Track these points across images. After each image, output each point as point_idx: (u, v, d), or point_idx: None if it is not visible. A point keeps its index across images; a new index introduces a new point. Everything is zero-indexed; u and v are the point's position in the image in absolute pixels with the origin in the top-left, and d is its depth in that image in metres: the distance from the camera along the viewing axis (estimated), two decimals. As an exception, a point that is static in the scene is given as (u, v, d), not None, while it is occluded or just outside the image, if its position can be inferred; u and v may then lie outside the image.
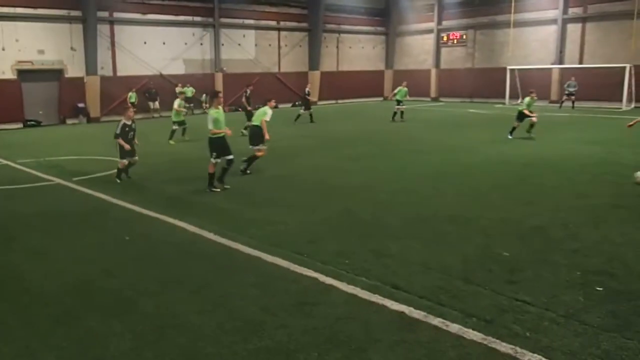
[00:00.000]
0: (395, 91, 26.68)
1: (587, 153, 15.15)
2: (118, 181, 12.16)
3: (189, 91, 32.42)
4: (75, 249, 7.58)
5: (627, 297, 5.55)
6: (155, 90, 31.55)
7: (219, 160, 11.13)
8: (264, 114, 13.04)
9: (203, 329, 4.99)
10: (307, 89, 28.18)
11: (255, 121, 13.22)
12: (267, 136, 12.84)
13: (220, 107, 11.30)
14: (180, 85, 32.32)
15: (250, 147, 12.92)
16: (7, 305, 5.71)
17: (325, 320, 5.09)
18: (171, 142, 19.10)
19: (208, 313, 5.32)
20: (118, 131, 12.23)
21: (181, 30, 33.32)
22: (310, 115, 26.10)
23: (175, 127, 19.32)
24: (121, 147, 12.10)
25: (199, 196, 10.58)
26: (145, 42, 31.69)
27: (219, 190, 11.02)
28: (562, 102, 31.75)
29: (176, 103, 19.55)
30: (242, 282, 6.10)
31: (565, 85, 31.87)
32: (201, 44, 34.42)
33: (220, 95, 11.92)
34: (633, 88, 30.14)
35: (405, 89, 26.41)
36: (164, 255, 7.13)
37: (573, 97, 31.31)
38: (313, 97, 27.35)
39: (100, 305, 5.61)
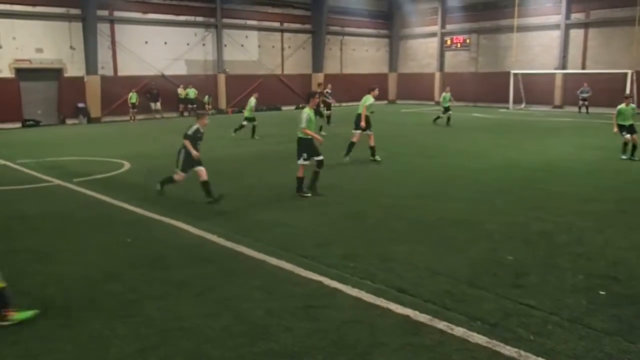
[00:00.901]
0: (440, 98, 26.00)
1: (593, 158, 15.18)
2: (158, 188, 10.67)
3: (192, 92, 32.50)
4: (78, 251, 7.53)
5: (630, 301, 5.58)
6: (156, 90, 31.50)
7: (308, 162, 10.65)
8: (365, 102, 14.76)
9: (208, 332, 4.99)
10: (327, 90, 27.17)
11: (359, 109, 15.00)
12: (362, 123, 14.53)
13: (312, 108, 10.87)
14: (182, 86, 32.41)
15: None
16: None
17: (331, 323, 5.11)
18: (233, 134, 20.59)
19: (213, 316, 5.32)
20: (190, 132, 10.11)
21: (183, 31, 33.26)
22: (329, 117, 25.11)
23: (245, 122, 20.89)
24: (187, 154, 10.07)
25: (203, 198, 10.58)
26: (146, 42, 31.61)
27: (309, 195, 10.61)
28: (580, 107, 31.79)
29: (252, 102, 21.21)
30: (248, 285, 6.10)
31: (579, 92, 31.93)
32: (203, 45, 34.36)
33: (317, 95, 11.54)
34: (635, 94, 30.16)
35: (449, 93, 25.56)
36: (167, 258, 7.11)
37: (586, 103, 31.40)
38: (332, 99, 26.81)
39: (103, 308, 5.57)
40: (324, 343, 4.74)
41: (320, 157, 10.75)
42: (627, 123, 14.69)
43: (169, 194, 10.71)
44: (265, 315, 5.30)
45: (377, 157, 14.68)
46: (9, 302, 5.28)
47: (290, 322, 5.14)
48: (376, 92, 15.29)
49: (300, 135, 10.65)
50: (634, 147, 14.58)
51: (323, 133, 20.70)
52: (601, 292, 5.81)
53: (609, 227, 8.35)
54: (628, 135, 14.61)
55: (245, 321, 5.19)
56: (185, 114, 32.82)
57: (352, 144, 14.86)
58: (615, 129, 14.79)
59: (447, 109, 24.83)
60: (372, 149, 14.83)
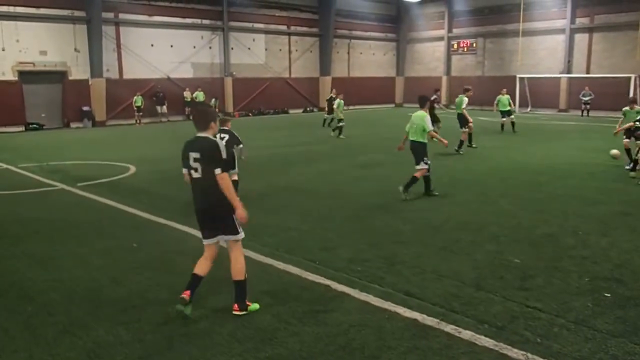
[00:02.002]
0: (496, 101, 23.33)
1: (597, 161, 15.14)
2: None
3: (201, 95, 32.53)
4: (82, 256, 7.44)
5: (635, 303, 5.60)
6: (162, 94, 31.48)
7: (427, 166, 10.83)
8: (462, 102, 17.72)
9: (214, 338, 4.97)
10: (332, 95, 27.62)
11: (457, 109, 17.94)
12: (470, 119, 17.44)
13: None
14: (188, 89, 32.44)
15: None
16: (11, 314, 5.58)
17: (338, 327, 5.12)
18: (342, 136, 21.96)
19: (219, 321, 5.30)
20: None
21: (189, 33, 33.34)
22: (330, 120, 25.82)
23: (341, 123, 22.14)
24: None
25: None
26: (152, 45, 31.66)
27: (437, 194, 10.90)
28: (582, 110, 32.07)
29: (336, 103, 22.79)
30: (254, 289, 6.00)
31: (581, 95, 32.10)
32: (210, 48, 34.46)
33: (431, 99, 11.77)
34: (639, 98, 30.11)
35: (506, 96, 22.94)
36: (173, 263, 7.06)
37: (588, 106, 31.63)
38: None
39: (107, 314, 5.50)
40: (331, 347, 4.75)
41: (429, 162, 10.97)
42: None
43: (175, 198, 10.76)
44: (272, 320, 5.29)
45: (473, 144, 18.02)
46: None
47: (297, 327, 5.14)
48: (471, 92, 18.47)
49: (420, 140, 10.72)
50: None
51: (342, 136, 21.88)
52: (606, 294, 5.82)
53: (614, 230, 8.37)
54: (626, 140, 14.50)
55: (252, 326, 5.18)
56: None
57: (462, 142, 17.31)
58: (618, 129, 14.69)
59: (507, 113, 22.60)
60: (461, 142, 17.30)
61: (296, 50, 39.12)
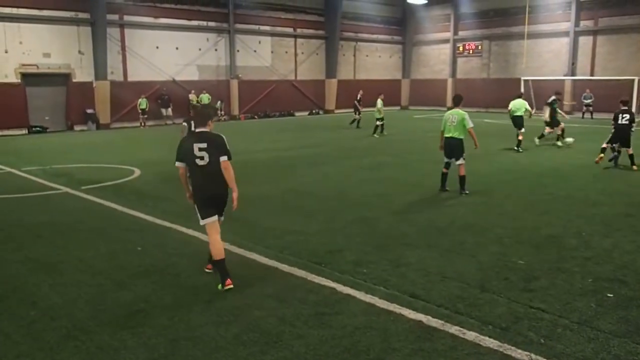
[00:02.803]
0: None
1: (600, 163, 15.12)
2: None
3: (206, 98, 32.55)
4: (85, 259, 7.41)
5: (638, 304, 5.64)
6: (167, 96, 31.39)
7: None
8: (523, 105, 18.92)
9: (219, 341, 4.97)
10: (359, 96, 28.57)
11: (518, 112, 18.83)
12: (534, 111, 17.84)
13: None
14: (193, 92, 32.43)
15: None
16: (13, 319, 5.54)
17: (344, 330, 5.15)
18: (375, 135, 23.33)
19: (224, 324, 5.29)
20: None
21: (195, 36, 33.23)
22: (358, 121, 27.19)
23: (378, 122, 23.47)
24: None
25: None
26: (157, 47, 31.51)
27: (449, 189, 11.42)
28: (584, 112, 32.17)
29: (379, 103, 24.00)
30: (259, 292, 6.09)
31: (582, 97, 32.11)
32: (215, 50, 34.38)
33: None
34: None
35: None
36: (178, 266, 7.07)
37: (591, 108, 31.65)
38: (361, 104, 28.11)
39: (111, 319, 5.48)
40: (337, 350, 4.78)
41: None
42: None
43: (179, 201, 10.75)
44: (277, 323, 5.30)
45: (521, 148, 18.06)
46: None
47: (302, 330, 5.16)
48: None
49: (460, 137, 11.15)
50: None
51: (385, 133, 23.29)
52: (609, 295, 5.86)
53: (616, 231, 8.41)
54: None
55: (257, 329, 5.18)
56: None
57: (520, 141, 18.29)
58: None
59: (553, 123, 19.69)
60: (520, 141, 18.17)
61: (302, 53, 39.15)
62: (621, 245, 7.70)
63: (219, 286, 6.19)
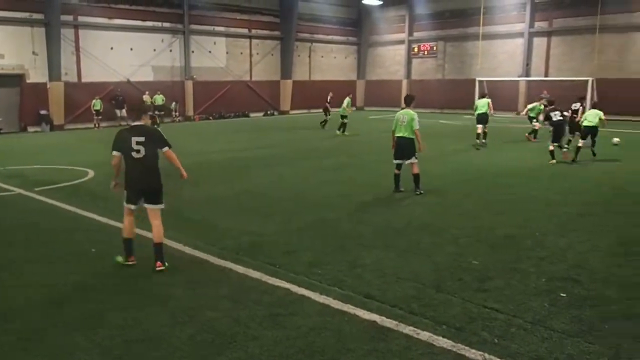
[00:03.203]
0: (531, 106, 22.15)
1: (556, 164, 15.49)
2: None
3: (160, 99, 32.13)
4: (40, 262, 7.28)
5: (590, 303, 5.72)
6: (122, 97, 30.87)
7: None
8: (487, 103, 20.00)
9: (173, 342, 4.91)
10: (329, 97, 28.71)
11: (483, 109, 19.89)
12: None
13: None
14: (147, 92, 31.95)
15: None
16: None
17: (298, 331, 5.10)
18: (338, 132, 24.05)
19: (179, 326, 5.24)
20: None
21: (149, 36, 32.81)
22: (326, 122, 27.23)
23: (345, 120, 24.11)
24: None
25: (169, 206, 10.41)
26: (111, 48, 31.05)
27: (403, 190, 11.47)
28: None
29: (345, 103, 24.52)
30: (214, 294, 6.03)
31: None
32: (170, 51, 34.02)
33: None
34: (597, 100, 30.95)
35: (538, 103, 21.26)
36: (132, 268, 6.97)
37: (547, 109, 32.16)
38: (331, 105, 28.18)
39: (66, 320, 5.41)
40: (291, 351, 4.73)
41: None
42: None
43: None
44: (232, 324, 5.25)
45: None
46: None
47: (257, 331, 5.11)
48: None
49: (411, 136, 11.23)
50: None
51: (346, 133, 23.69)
52: (562, 295, 5.94)
53: (571, 231, 8.56)
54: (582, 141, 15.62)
55: (212, 330, 5.13)
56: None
57: (478, 135, 19.58)
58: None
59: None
60: (478, 135, 19.65)
61: (257, 54, 38.98)
62: (575, 245, 7.83)
63: (119, 258, 7.00)
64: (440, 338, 4.91)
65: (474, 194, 11.59)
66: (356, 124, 27.67)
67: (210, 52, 36.01)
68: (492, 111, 20.80)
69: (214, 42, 36.30)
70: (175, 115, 33.73)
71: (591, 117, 15.75)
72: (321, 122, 27.63)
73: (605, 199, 10.99)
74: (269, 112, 39.59)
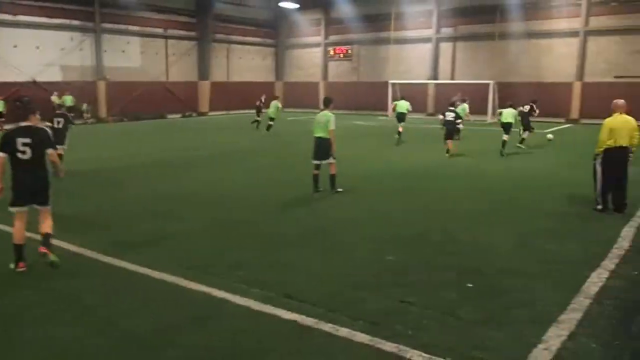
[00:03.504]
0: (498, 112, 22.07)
1: (464, 162, 16.35)
2: None
3: (69, 100, 30.85)
4: None
5: (494, 292, 6.13)
6: (28, 98, 29.41)
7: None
8: (406, 104, 22.24)
9: (90, 353, 4.79)
10: (262, 98, 28.96)
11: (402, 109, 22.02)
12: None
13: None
14: (56, 93, 30.62)
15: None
16: None
17: (219, 334, 5.12)
18: (265, 131, 24.72)
19: (95, 336, 5.09)
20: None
21: (57, 34, 31.48)
22: (259, 122, 27.21)
23: (270, 122, 24.79)
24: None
25: (79, 212, 10.13)
26: (15, 46, 29.58)
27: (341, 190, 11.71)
28: None
29: (274, 105, 25.25)
30: (132, 301, 5.90)
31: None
32: (81, 50, 32.77)
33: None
34: (497, 103, 32.82)
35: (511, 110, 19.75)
36: (44, 279, 6.63)
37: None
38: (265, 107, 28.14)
39: None
40: (212, 355, 4.75)
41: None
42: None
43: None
44: (151, 331, 5.18)
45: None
46: None
47: (176, 336, 5.06)
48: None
49: (327, 137, 11.44)
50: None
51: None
52: (469, 285, 6.32)
53: (476, 225, 9.09)
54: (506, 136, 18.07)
55: (130, 339, 5.04)
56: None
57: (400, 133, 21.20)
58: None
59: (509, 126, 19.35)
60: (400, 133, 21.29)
61: (173, 54, 38.28)
62: (480, 238, 8.31)
63: (11, 265, 6.78)
64: (359, 333, 5.08)
65: (389, 192, 11.98)
66: (275, 125, 27.72)
67: (124, 51, 35.00)
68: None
69: (128, 41, 35.33)
70: (87, 117, 32.54)
71: (507, 116, 18.40)
72: (252, 122, 27.82)
73: (507, 195, 11.69)
74: (187, 114, 38.97)
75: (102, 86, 33.76)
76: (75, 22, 32.40)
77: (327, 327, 5.24)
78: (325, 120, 11.49)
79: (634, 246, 7.86)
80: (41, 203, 7.01)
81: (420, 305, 5.73)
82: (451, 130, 17.84)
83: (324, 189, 11.72)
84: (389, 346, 4.85)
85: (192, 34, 39.10)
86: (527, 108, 20.58)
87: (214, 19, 39.35)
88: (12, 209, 6.91)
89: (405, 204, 10.78)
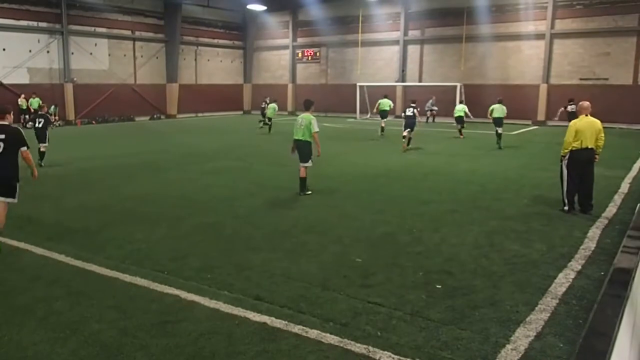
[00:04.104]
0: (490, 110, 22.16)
1: (429, 163, 16.55)
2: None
3: (36, 102, 30.36)
4: None
5: (462, 293, 6.20)
6: (-1, 102, 28.94)
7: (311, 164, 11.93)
8: (388, 103, 25.25)
9: (54, 358, 4.71)
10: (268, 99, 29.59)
11: (385, 107, 25.53)
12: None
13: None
14: (23, 96, 30.14)
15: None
16: None
17: (188, 337, 5.10)
18: (269, 130, 26.51)
19: (60, 340, 5.02)
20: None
21: (24, 36, 30.95)
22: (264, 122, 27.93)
23: (269, 122, 26.60)
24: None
25: (47, 214, 9.97)
26: (-19, 48, 28.85)
27: (310, 193, 11.84)
28: (428, 118, 33.52)
29: (272, 107, 26.96)
30: (98, 305, 5.83)
31: (428, 104, 33.78)
32: (48, 52, 32.26)
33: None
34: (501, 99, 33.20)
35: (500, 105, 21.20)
36: (9, 283, 6.54)
37: (435, 113, 33.76)
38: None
39: None
40: (180, 358, 4.72)
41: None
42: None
43: (9, 212, 9.96)
44: (118, 335, 5.13)
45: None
46: None
47: (145, 340, 5.03)
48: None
49: (308, 139, 11.65)
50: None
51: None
52: (438, 286, 6.39)
53: (444, 226, 9.18)
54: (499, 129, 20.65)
55: (97, 343, 4.98)
56: (29, 125, 30.54)
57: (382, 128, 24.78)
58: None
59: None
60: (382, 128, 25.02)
61: (142, 56, 37.88)
62: (448, 239, 8.41)
63: None
64: (328, 335, 5.11)
65: (356, 194, 12.02)
66: (243, 127, 27.75)
67: (91, 54, 34.55)
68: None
69: (95, 43, 34.87)
70: (55, 120, 31.99)
71: (498, 112, 20.71)
72: (259, 122, 28.67)
73: (475, 196, 11.83)
74: (155, 116, 38.60)
75: (69, 88, 33.24)
76: (42, 24, 31.91)
77: (297, 328, 5.25)
78: (307, 123, 11.62)
79: (600, 247, 8.03)
80: (5, 195, 7.67)
81: (388, 306, 5.78)
82: (409, 124, 20.06)
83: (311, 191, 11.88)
84: (358, 347, 4.89)
85: (160, 35, 38.75)
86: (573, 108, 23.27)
87: (182, 21, 39.04)
88: None
89: (370, 206, 10.83)
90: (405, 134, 19.80)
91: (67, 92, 33.25)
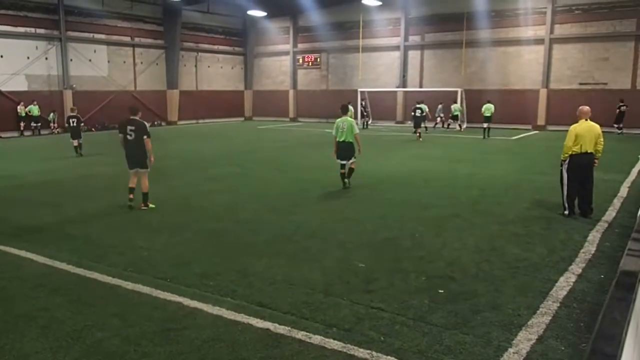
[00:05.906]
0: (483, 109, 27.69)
1: (430, 168, 16.54)
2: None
3: (35, 109, 30.43)
4: None
5: (464, 297, 6.19)
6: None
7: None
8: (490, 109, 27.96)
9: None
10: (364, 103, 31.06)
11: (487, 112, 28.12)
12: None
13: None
14: (22, 103, 30.17)
15: None
16: None
17: (191, 344, 5.08)
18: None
19: (63, 349, 5.00)
20: None
21: (22, 43, 30.93)
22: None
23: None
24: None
25: (49, 222, 9.98)
26: (-22, 55, 28.93)
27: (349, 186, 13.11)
28: (435, 124, 33.51)
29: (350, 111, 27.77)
30: (101, 313, 5.82)
31: (438, 110, 33.80)
32: (46, 59, 32.23)
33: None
34: (465, 110, 33.29)
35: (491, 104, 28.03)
36: (10, 292, 6.53)
37: (444, 119, 33.69)
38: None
39: None
40: (185, 364, 4.71)
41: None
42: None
43: (9, 220, 9.98)
44: (121, 343, 5.11)
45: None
46: None
47: (148, 348, 5.02)
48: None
49: (351, 140, 12.90)
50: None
51: None
52: (440, 291, 6.38)
53: (445, 231, 9.18)
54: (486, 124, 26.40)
55: (100, 351, 4.96)
56: (27, 133, 30.62)
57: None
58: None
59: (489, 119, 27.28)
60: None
61: (141, 63, 37.90)
62: (450, 243, 8.41)
63: None
64: (332, 340, 5.11)
65: (357, 199, 12.05)
66: (245, 134, 27.73)
67: (90, 60, 34.54)
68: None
69: (94, 50, 34.87)
70: (54, 127, 32.05)
71: (490, 110, 26.51)
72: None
73: (476, 200, 11.83)
74: (155, 123, 38.60)
75: (68, 95, 33.24)
76: (40, 31, 31.89)
77: (300, 334, 5.25)
78: (349, 126, 12.89)
79: (600, 250, 8.04)
80: (140, 166, 10.30)
81: (391, 311, 5.78)
82: (418, 123, 25.42)
83: (349, 185, 13.08)
84: (362, 352, 4.88)
85: (160, 42, 38.79)
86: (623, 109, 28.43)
87: (182, 27, 39.10)
88: None
89: (372, 211, 10.83)
90: (416, 131, 25.47)
91: (66, 99, 33.22)
